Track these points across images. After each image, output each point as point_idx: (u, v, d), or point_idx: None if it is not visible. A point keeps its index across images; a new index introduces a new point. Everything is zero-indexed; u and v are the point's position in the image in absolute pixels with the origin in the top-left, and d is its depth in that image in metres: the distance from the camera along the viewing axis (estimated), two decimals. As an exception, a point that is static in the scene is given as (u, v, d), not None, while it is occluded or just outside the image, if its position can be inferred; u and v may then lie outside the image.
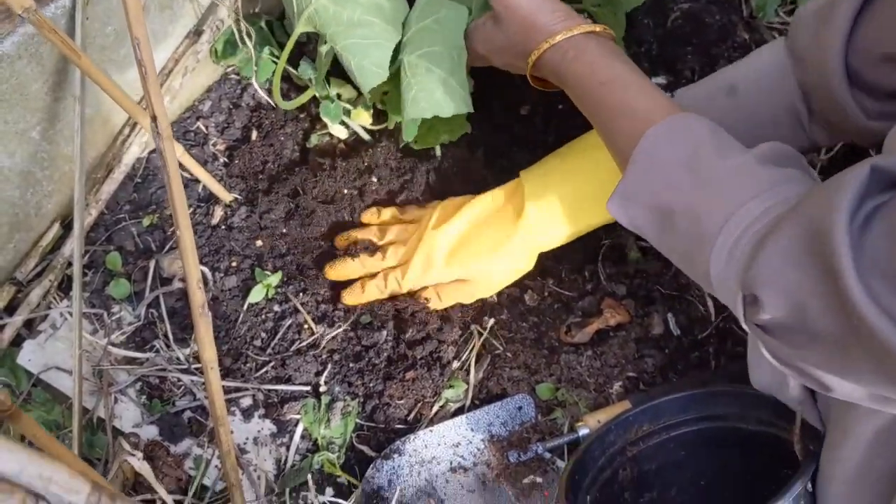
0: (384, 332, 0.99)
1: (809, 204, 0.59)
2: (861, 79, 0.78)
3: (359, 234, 1.02)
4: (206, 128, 1.12)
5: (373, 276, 1.00)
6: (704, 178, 0.69)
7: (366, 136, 1.10)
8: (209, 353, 0.70)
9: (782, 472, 0.88)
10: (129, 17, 0.51)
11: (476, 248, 0.97)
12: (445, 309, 1.01)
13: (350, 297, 1.00)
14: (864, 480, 0.71)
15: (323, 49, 0.95)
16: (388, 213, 1.04)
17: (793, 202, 0.63)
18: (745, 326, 0.65)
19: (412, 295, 1.00)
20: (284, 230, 1.05)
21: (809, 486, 0.77)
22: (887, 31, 0.74)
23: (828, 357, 0.59)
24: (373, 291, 1.00)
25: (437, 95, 0.89)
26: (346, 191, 1.07)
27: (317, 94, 1.03)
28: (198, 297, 0.66)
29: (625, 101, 0.77)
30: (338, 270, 1.01)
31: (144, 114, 0.88)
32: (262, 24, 1.10)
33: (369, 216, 1.05)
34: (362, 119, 1.05)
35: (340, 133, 1.09)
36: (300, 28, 0.94)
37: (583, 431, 0.93)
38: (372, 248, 1.01)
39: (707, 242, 0.66)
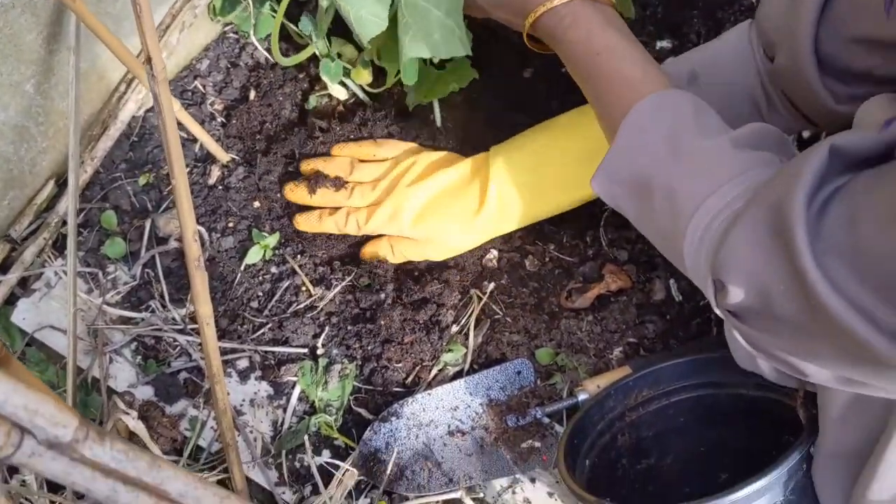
0: (382, 295, 0.98)
1: (771, 187, 0.59)
2: (831, 61, 0.77)
3: (327, 166, 1.01)
4: (204, 87, 1.10)
5: (333, 209, 1.00)
6: (684, 157, 0.68)
7: (365, 99, 1.08)
8: (205, 309, 0.69)
9: (783, 438, 0.88)
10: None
11: (441, 217, 0.97)
12: (445, 273, 0.99)
13: (304, 223, 1.01)
14: (839, 456, 0.72)
15: (324, 3, 0.93)
16: (362, 148, 1.03)
17: (760, 178, 0.63)
18: (717, 311, 0.65)
19: (367, 240, 1.01)
20: (282, 191, 1.04)
21: (812, 450, 0.77)
22: (858, 11, 0.72)
23: (795, 341, 0.59)
24: (329, 225, 1.00)
25: (435, 37, 0.87)
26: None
27: (317, 52, 1.01)
28: (193, 250, 0.65)
29: (618, 71, 0.76)
30: (298, 194, 1.01)
31: (140, 65, 0.86)
32: (261, -22, 1.08)
33: (339, 149, 1.04)
34: (362, 78, 1.04)
35: (340, 94, 1.07)
36: None
37: (582, 396, 0.92)
38: (338, 184, 1.00)
39: (682, 223, 0.66)
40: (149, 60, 0.54)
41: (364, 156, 1.03)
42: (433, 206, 0.98)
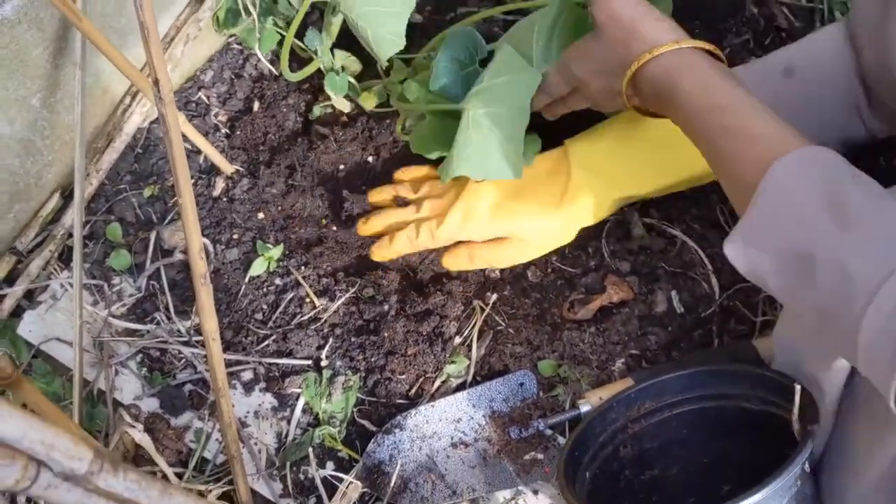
0: (386, 307, 0.98)
1: None
2: None
3: (393, 190, 0.99)
4: (208, 98, 1.11)
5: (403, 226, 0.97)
6: (855, 226, 0.60)
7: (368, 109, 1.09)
8: (210, 324, 0.70)
9: (784, 452, 0.88)
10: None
11: (525, 204, 0.94)
12: (449, 284, 1.00)
13: (379, 252, 0.98)
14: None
15: (334, 19, 0.94)
16: (423, 170, 1.01)
17: None
18: (892, 405, 0.58)
19: (443, 251, 0.98)
20: (286, 203, 1.04)
21: (807, 467, 0.77)
22: None
23: None
24: (402, 243, 0.96)
25: (492, 158, 0.88)
26: (341, 166, 1.06)
27: (322, 67, 1.02)
28: (199, 267, 0.66)
29: (747, 127, 0.68)
30: (371, 225, 0.99)
31: (146, 80, 0.87)
32: (265, -8, 1.08)
33: (402, 173, 1.02)
34: (369, 103, 1.05)
35: (344, 107, 1.08)
36: None
37: (584, 408, 0.93)
38: (404, 203, 0.99)
39: (858, 300, 0.58)
40: (156, 82, 0.55)
41: (428, 176, 1.01)
42: (512, 198, 0.94)
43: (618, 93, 0.81)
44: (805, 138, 0.66)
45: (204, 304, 0.67)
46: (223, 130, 1.09)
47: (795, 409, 0.77)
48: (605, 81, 0.83)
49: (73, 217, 0.97)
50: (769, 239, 0.65)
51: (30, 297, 1.01)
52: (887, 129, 0.85)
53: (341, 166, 1.07)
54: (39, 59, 0.88)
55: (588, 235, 1.03)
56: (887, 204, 0.61)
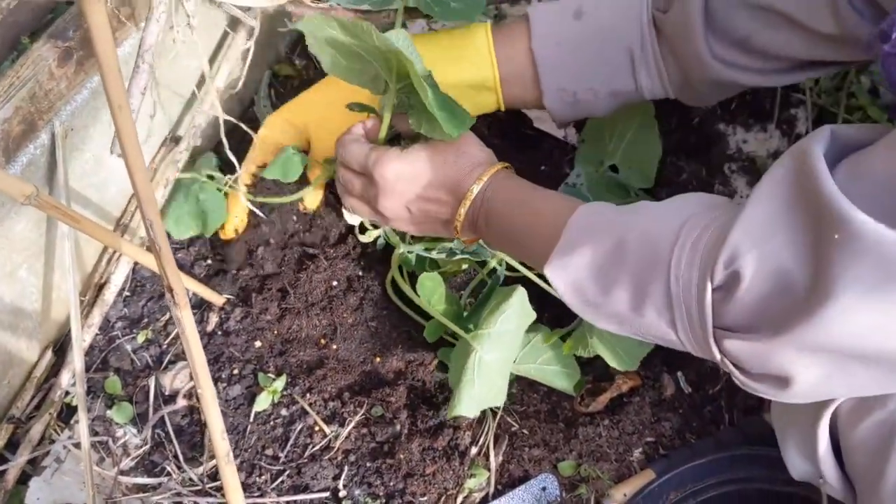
0: (398, 426, 0.97)
1: (779, 165, 0.60)
2: (716, 19, 0.83)
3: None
4: (190, 229, 1.09)
5: None
6: (643, 211, 0.71)
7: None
8: (237, 501, 0.68)
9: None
10: (140, 198, 0.49)
11: None
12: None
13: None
14: None
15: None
16: None
17: (732, 209, 0.64)
18: (709, 339, 0.63)
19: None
20: (280, 328, 1.03)
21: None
22: None
23: (805, 321, 0.56)
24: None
25: (487, 397, 0.93)
26: (335, 283, 1.05)
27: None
28: (222, 448, 0.65)
29: (545, 205, 0.79)
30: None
31: (145, 253, 0.85)
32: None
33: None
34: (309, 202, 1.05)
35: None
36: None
37: (610, 506, 0.93)
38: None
39: (663, 251, 0.65)
40: (170, 289, 0.54)
41: None
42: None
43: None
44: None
45: (229, 482, 0.66)
46: (207, 261, 1.08)
47: (824, 501, 0.78)
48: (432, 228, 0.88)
49: (70, 378, 0.95)
50: (582, 247, 0.71)
51: (33, 462, 0.98)
52: (652, 89, 0.91)
53: (334, 283, 1.06)
54: (24, 231, 0.87)
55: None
56: (664, 202, 0.71)
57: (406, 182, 0.83)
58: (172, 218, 1.01)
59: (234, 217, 1.03)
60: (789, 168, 0.58)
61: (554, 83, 0.91)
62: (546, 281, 0.76)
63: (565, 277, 0.72)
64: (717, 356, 0.64)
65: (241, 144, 1.01)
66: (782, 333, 0.57)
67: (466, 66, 0.90)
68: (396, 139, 0.91)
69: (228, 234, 1.04)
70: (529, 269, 0.95)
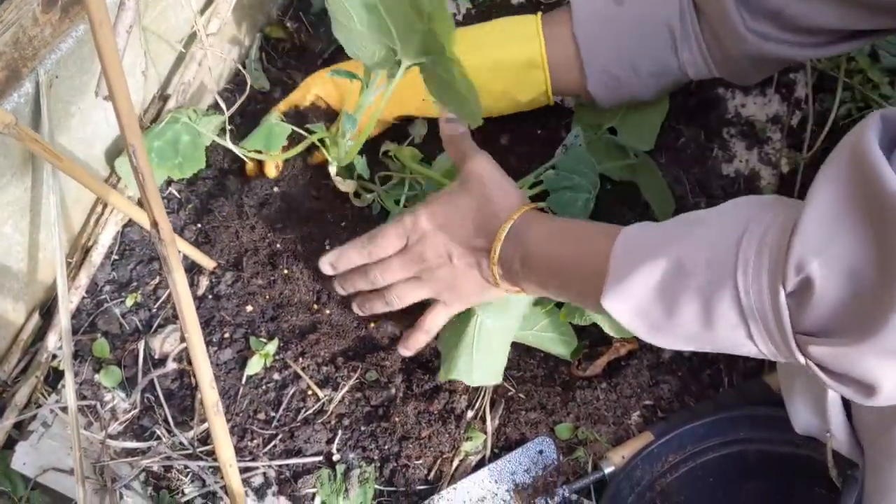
0: (393, 389, 0.96)
1: (833, 162, 0.57)
2: None
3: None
4: (179, 192, 1.07)
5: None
6: (697, 221, 0.67)
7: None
8: (227, 453, 0.66)
9: (815, 491, 0.87)
10: (123, 124, 0.47)
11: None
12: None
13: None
14: None
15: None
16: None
17: (789, 211, 0.61)
18: (792, 347, 0.60)
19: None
20: (272, 293, 1.01)
21: (856, 508, 0.76)
22: None
23: (875, 331, 0.54)
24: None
25: (484, 367, 0.91)
26: (328, 246, 1.03)
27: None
28: (210, 397, 0.63)
29: (585, 233, 0.78)
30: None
31: (136, 208, 0.83)
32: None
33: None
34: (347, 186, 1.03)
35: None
36: None
37: (608, 469, 0.91)
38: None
39: (727, 263, 0.62)
40: (155, 224, 0.52)
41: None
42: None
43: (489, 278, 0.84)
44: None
45: (219, 433, 0.64)
46: (198, 225, 1.06)
47: (829, 456, 0.76)
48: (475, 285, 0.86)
49: (57, 340, 0.93)
50: (637, 274, 0.67)
51: (19, 426, 0.96)
52: (695, 68, 0.92)
53: (326, 244, 1.04)
54: (8, 186, 0.84)
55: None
56: (714, 208, 0.68)
57: (442, 219, 0.84)
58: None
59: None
60: (844, 162, 0.56)
61: (597, 66, 0.93)
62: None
63: (626, 305, 0.69)
64: (803, 361, 0.61)
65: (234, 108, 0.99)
66: (862, 339, 0.55)
67: (516, 45, 0.95)
68: None
69: (270, 172, 1.04)
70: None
